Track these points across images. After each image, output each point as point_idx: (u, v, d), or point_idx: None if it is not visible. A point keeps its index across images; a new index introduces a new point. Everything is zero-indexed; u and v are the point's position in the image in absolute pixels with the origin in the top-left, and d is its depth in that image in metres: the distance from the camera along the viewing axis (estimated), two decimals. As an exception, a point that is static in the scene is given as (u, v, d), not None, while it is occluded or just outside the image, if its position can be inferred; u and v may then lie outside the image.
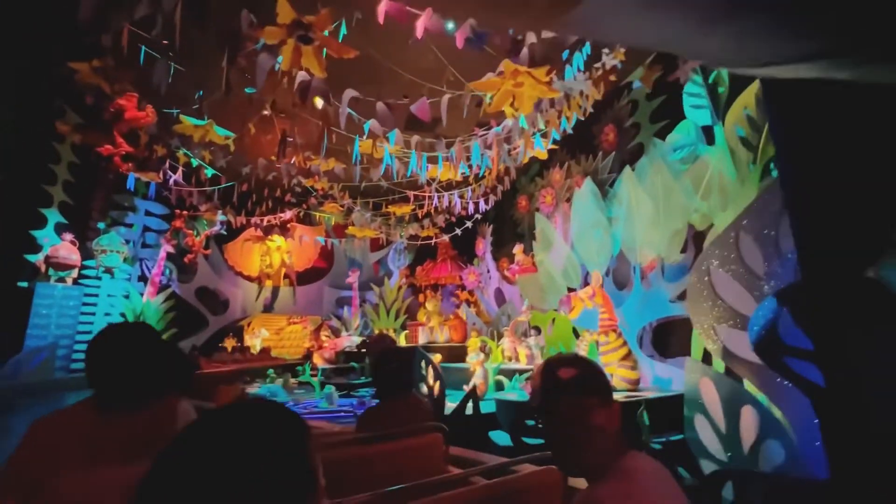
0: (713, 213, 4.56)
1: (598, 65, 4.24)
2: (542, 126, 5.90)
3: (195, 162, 7.53)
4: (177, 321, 10.54)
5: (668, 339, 4.90)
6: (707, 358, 4.53)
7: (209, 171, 7.81)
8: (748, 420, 2.93)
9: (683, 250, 4.59)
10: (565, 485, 1.55)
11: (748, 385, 3.05)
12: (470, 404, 3.02)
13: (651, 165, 5.30)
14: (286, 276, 12.59)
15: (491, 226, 10.24)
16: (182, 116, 5.39)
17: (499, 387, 4.57)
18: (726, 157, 4.44)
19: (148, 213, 10.55)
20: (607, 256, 5.51)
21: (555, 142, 6.33)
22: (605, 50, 4.07)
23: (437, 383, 3.24)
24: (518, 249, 8.97)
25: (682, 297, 4.57)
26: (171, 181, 7.54)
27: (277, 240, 12.28)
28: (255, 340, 12.26)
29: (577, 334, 6.34)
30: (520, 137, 5.70)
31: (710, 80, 5.04)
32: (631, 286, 5.16)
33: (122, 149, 4.41)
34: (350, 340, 10.42)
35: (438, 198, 8.88)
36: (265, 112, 6.15)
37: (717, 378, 3.24)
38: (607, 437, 0.94)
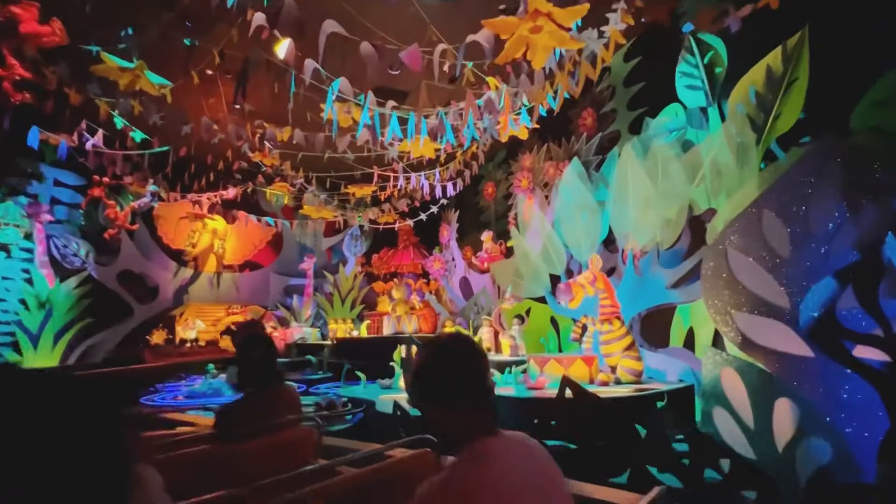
0: (711, 197, 4.36)
1: (604, 27, 3.84)
2: (525, 102, 5.48)
3: (119, 122, 6.36)
4: (93, 310, 9.10)
5: (662, 327, 4.68)
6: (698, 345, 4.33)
7: (137, 136, 6.64)
8: (783, 415, 2.66)
9: (681, 235, 4.36)
10: (439, 466, 1.48)
11: (782, 376, 2.78)
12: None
13: (642, 148, 5.05)
14: (219, 262, 11.37)
15: (457, 212, 9.76)
16: (104, 55, 4.37)
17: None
18: (722, 140, 4.22)
19: (58, 184, 8.96)
20: (595, 241, 5.21)
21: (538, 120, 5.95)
22: (613, 11, 3.69)
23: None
24: (487, 237, 8.58)
25: (678, 283, 4.33)
26: (89, 144, 6.30)
27: (217, 221, 11.02)
28: (190, 332, 10.98)
29: (555, 323, 6.04)
30: (502, 111, 5.24)
31: (706, 61, 4.84)
32: (621, 272, 4.90)
33: (15, 72, 3.39)
34: (301, 332, 9.56)
35: (405, 179, 8.25)
36: (209, 71, 5.21)
37: (744, 368, 2.95)
38: (463, 420, 0.94)
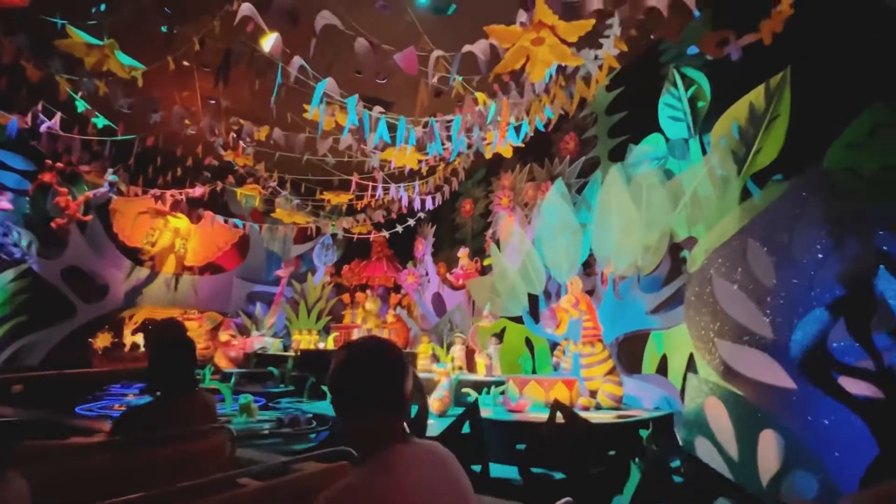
0: (691, 225, 4.42)
1: (598, 51, 3.88)
2: (512, 120, 5.48)
3: (81, 105, 5.93)
4: (30, 307, 8.32)
5: (636, 353, 4.65)
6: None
7: (99, 121, 6.21)
8: (769, 447, 2.61)
9: (661, 261, 4.39)
10: None
11: (765, 407, 2.75)
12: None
13: (626, 174, 5.11)
14: (180, 263, 10.75)
15: (434, 226, 9.64)
16: (70, 29, 4.03)
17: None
18: (704, 171, 4.32)
19: (3, 167, 8.25)
20: (575, 262, 5.19)
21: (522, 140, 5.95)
22: (609, 31, 3.72)
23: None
24: (463, 253, 8.48)
25: (657, 308, 4.33)
26: (44, 127, 5.82)
27: (180, 220, 10.44)
28: (138, 337, 10.23)
29: (530, 344, 5.94)
30: (491, 126, 5.21)
31: (689, 94, 4.98)
32: (600, 296, 4.87)
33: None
34: (263, 341, 9.07)
35: (384, 189, 8.08)
36: (186, 63, 4.95)
37: (729, 398, 2.91)
38: (375, 428, 0.92)
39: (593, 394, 3.56)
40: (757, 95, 3.92)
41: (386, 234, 9.05)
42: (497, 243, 8.43)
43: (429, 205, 8.49)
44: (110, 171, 6.64)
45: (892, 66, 3.36)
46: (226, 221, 8.85)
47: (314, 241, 11.95)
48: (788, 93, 3.74)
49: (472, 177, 10.19)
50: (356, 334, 6.22)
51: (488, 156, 6.36)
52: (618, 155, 6.78)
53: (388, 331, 6.33)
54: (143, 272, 10.15)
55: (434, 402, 3.73)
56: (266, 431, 3.44)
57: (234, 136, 7.40)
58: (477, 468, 2.20)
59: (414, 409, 2.56)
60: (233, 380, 5.72)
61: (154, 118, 5.41)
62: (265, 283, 11.46)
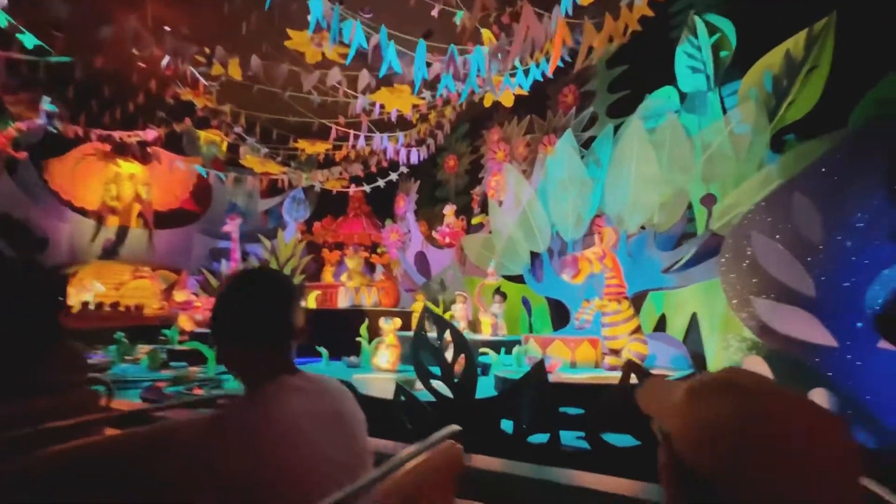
0: (709, 182, 4.25)
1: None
2: (517, 63, 5.02)
3: (2, 18, 4.90)
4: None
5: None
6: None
7: (28, 40, 5.16)
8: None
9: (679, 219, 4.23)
10: None
11: (814, 364, 2.66)
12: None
13: (642, 128, 4.85)
14: (140, 214, 9.73)
15: (417, 182, 9.13)
16: None
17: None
18: (728, 125, 4.12)
19: None
20: (583, 218, 4.96)
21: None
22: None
23: (462, 358, 2.21)
24: (449, 211, 8.08)
25: (672, 267, 4.20)
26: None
27: (131, 165, 9.33)
28: (86, 295, 9.29)
29: (526, 304, 5.77)
30: (501, 67, 4.73)
31: (711, 43, 4.69)
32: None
33: None
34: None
35: (366, 139, 7.44)
36: None
37: (771, 355, 2.80)
38: (261, 359, 0.90)
39: (616, 352, 3.43)
40: (796, 43, 3.69)
41: (367, 188, 8.47)
42: (485, 199, 8.10)
43: (414, 158, 7.95)
44: (46, 99, 5.62)
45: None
46: (187, 166, 7.93)
47: (283, 195, 11.13)
48: (832, 41, 3.53)
49: (456, 132, 9.66)
50: (343, 294, 5.82)
51: (488, 104, 5.90)
52: (618, 110, 6.51)
53: (376, 289, 5.96)
54: (87, 224, 9.09)
55: (379, 359, 3.49)
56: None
57: (193, 70, 6.49)
58: (544, 438, 1.95)
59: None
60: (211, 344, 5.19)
61: (103, 33, 4.51)
62: (229, 238, 10.63)
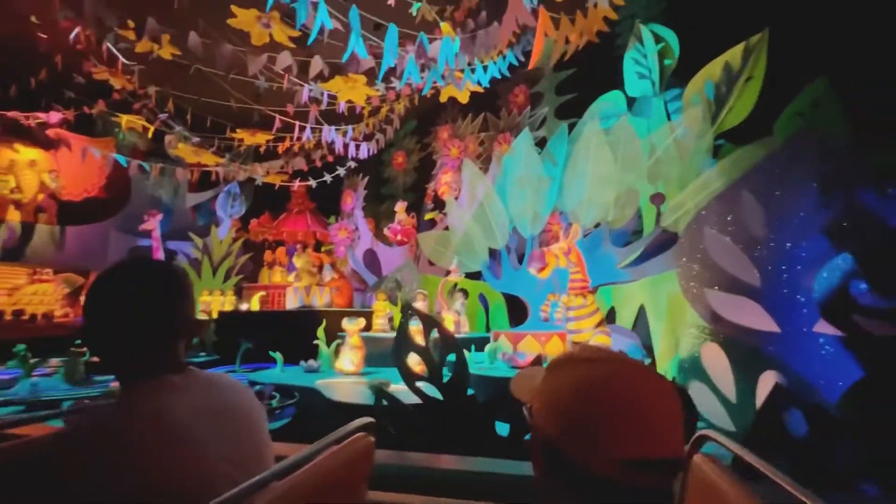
0: (657, 181, 4.52)
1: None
2: (478, 61, 5.02)
3: None
4: None
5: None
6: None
7: None
8: (768, 388, 2.76)
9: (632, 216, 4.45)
10: None
11: (762, 349, 2.89)
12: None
13: (593, 128, 5.04)
14: (40, 208, 8.50)
15: (366, 178, 8.84)
16: None
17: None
18: (678, 127, 4.40)
19: None
20: (540, 215, 5.06)
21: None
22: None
23: (455, 353, 2.09)
24: (400, 208, 7.92)
25: (628, 262, 4.41)
26: None
27: (30, 151, 8.11)
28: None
29: (483, 300, 5.80)
30: (462, 60, 4.68)
31: (656, 51, 4.99)
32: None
33: None
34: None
35: (313, 130, 7.07)
36: None
37: (728, 343, 3.01)
38: (138, 357, 0.82)
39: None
40: (734, 55, 4.02)
41: (313, 183, 8.04)
42: (437, 196, 8.04)
43: (363, 152, 7.70)
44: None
45: (844, 41, 3.62)
46: (102, 155, 7.04)
47: (215, 189, 10.27)
48: (765, 54, 3.88)
49: (403, 128, 9.50)
50: (291, 294, 5.46)
51: (443, 98, 5.82)
52: (565, 112, 6.75)
53: (328, 289, 5.67)
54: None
55: (343, 361, 3.36)
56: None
57: (111, 46, 5.79)
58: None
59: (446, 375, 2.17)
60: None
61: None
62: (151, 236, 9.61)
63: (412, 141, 9.67)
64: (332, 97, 6.49)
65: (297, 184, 8.08)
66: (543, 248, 3.69)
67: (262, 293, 6.27)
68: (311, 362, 3.82)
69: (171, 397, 0.78)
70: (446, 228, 6.17)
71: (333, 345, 4.04)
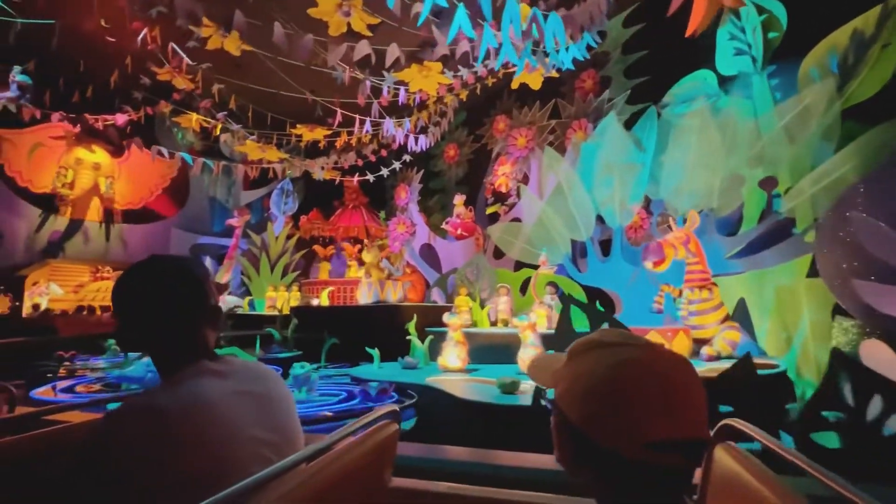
0: (769, 165, 4.16)
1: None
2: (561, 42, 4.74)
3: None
4: None
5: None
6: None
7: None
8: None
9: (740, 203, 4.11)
10: None
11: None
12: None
13: (680, 111, 4.71)
14: (107, 209, 8.72)
15: (420, 172, 8.71)
16: None
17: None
18: (775, 109, 4.03)
19: None
20: (629, 204, 4.78)
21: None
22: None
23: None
24: (458, 201, 7.74)
25: (738, 253, 4.08)
26: None
27: (97, 154, 8.33)
28: (41, 299, 8.27)
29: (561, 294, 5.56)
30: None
31: (759, 23, 4.59)
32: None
33: None
34: (228, 300, 7.75)
35: (372, 123, 6.96)
36: None
37: (883, 337, 2.69)
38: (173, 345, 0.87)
39: (705, 342, 3.24)
40: (866, 20, 3.62)
41: (371, 177, 7.96)
42: (493, 189, 7.83)
43: (422, 145, 7.56)
44: (17, 68, 4.78)
45: None
46: (169, 155, 7.12)
47: (269, 187, 10.37)
48: (906, 18, 3.48)
49: (454, 120, 9.30)
50: (365, 289, 5.37)
51: (515, 85, 5.58)
52: (636, 97, 6.39)
53: (401, 284, 5.55)
54: (59, 222, 8.05)
55: (522, 359, 3.18)
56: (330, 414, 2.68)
57: (175, 46, 5.83)
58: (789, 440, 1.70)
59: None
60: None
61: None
62: (212, 234, 9.77)
63: (463, 133, 9.47)
64: (396, 89, 6.39)
65: (356, 179, 8.01)
66: (661, 241, 3.42)
67: (331, 288, 6.23)
68: (409, 359, 3.69)
69: (206, 381, 0.81)
70: (516, 220, 5.95)
71: (428, 340, 3.91)
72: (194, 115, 7.46)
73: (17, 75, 4.79)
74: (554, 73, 5.42)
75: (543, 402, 1.95)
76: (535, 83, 5.82)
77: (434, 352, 3.85)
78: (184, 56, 5.96)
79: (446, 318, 3.58)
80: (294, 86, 6.47)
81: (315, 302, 6.04)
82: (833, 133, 3.77)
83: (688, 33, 3.50)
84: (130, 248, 8.89)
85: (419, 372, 3.53)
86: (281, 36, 4.25)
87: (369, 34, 4.74)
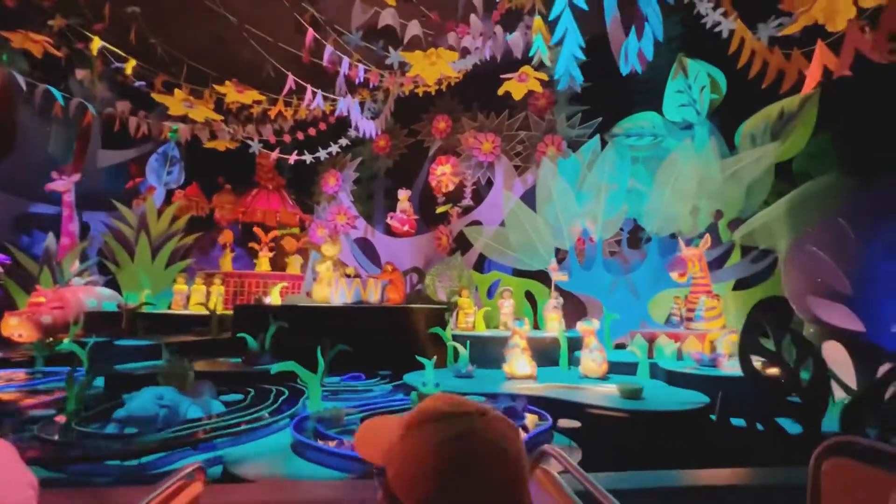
0: (715, 200, 5.19)
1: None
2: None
3: None
4: None
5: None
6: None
7: None
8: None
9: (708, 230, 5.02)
10: None
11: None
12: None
13: (630, 144, 5.53)
14: None
15: (359, 160, 7.98)
16: None
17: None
18: (749, 157, 5.07)
19: None
20: (603, 220, 5.37)
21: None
22: None
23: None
24: (403, 196, 7.39)
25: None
26: None
27: None
28: None
29: (530, 298, 5.83)
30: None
31: (700, 86, 5.65)
32: (643, 256, 5.22)
33: None
34: (91, 293, 5.84)
35: (324, 97, 6.16)
36: None
37: (848, 340, 3.69)
38: None
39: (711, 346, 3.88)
40: (790, 103, 4.85)
41: (309, 158, 6.94)
42: (440, 189, 7.71)
43: (369, 130, 6.98)
44: None
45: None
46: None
47: (139, 148, 8.05)
48: (815, 109, 4.77)
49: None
50: (345, 288, 4.68)
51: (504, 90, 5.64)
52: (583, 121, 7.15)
53: (379, 282, 5.02)
54: None
55: (589, 363, 3.26)
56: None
57: None
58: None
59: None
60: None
61: None
62: (50, 200, 7.09)
63: (394, 124, 9.07)
64: (362, 66, 5.81)
65: (292, 158, 6.85)
66: (683, 256, 3.98)
67: (284, 284, 5.23)
68: (467, 367, 3.38)
69: None
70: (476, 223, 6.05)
71: (468, 345, 3.66)
72: (31, 35, 5.46)
73: None
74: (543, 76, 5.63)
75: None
76: (519, 93, 6.01)
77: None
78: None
79: (513, 325, 3.45)
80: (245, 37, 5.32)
81: (267, 300, 5.01)
82: (766, 184, 4.93)
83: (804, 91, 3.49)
84: None
85: (481, 381, 3.31)
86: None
87: (393, 3, 4.24)
